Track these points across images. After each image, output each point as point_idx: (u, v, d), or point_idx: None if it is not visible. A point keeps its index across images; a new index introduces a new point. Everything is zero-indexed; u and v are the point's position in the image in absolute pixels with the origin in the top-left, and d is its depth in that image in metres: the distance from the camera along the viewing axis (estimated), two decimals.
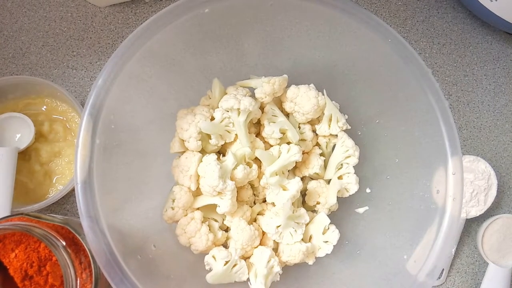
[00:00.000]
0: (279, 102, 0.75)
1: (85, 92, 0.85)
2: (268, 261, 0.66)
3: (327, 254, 0.70)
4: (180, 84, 0.72)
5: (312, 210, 0.75)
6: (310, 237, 0.71)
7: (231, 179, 0.67)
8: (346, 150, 0.73)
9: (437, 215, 0.61)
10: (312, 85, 0.73)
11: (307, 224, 0.71)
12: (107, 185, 0.59)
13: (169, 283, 0.64)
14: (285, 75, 0.72)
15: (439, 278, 0.87)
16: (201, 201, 0.69)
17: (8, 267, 0.55)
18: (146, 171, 0.69)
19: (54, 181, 0.78)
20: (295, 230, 0.68)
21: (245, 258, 0.70)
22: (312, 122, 0.75)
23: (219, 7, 0.62)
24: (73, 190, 0.72)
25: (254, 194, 0.73)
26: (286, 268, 0.71)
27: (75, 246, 0.58)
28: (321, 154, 0.75)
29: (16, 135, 0.77)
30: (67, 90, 0.75)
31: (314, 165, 0.73)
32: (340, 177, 0.74)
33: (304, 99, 0.71)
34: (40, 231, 0.55)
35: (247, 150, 0.69)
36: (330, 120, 0.73)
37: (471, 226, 0.90)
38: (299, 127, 0.75)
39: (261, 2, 0.64)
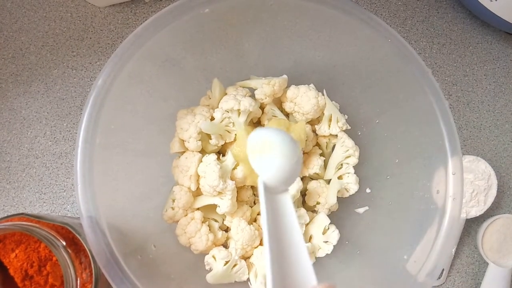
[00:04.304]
0: (279, 102, 0.75)
1: (85, 92, 0.85)
2: None
3: (327, 254, 0.70)
4: (180, 84, 0.72)
5: (312, 210, 0.75)
6: (310, 237, 0.71)
7: (231, 179, 0.67)
8: (346, 150, 0.73)
9: (437, 215, 0.61)
10: (312, 85, 0.73)
11: (307, 224, 0.71)
12: (107, 185, 0.59)
13: (169, 283, 0.64)
14: (285, 76, 0.72)
15: (439, 278, 0.87)
16: (201, 201, 0.69)
17: (8, 267, 0.55)
18: (146, 171, 0.69)
19: None
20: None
21: (245, 258, 0.70)
22: (312, 122, 0.75)
23: (219, 7, 0.62)
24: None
25: (254, 194, 0.73)
26: None
27: (75, 246, 0.58)
28: (321, 154, 0.75)
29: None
30: None
31: (314, 165, 0.73)
32: (340, 177, 0.74)
33: (304, 99, 0.71)
34: (40, 231, 0.55)
35: None
36: (330, 120, 0.73)
37: (471, 226, 0.89)
38: None
39: (261, 2, 0.64)
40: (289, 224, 0.49)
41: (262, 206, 0.47)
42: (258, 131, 0.52)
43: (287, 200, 0.51)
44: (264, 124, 0.72)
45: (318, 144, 0.77)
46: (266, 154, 0.49)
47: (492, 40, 0.96)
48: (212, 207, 0.68)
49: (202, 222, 0.67)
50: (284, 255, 0.46)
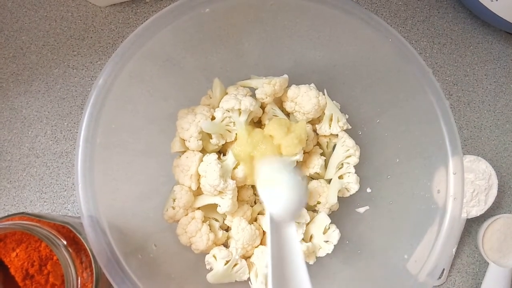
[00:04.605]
0: (279, 102, 0.75)
1: (85, 92, 0.85)
2: None
3: (327, 254, 0.70)
4: (180, 83, 0.72)
5: (312, 209, 0.75)
6: (311, 237, 0.71)
7: (232, 178, 0.67)
8: (346, 150, 0.72)
9: (437, 215, 0.61)
10: (312, 85, 0.73)
11: (307, 224, 0.71)
12: (108, 185, 0.59)
13: (170, 282, 0.64)
14: (286, 75, 0.71)
15: (440, 278, 0.87)
16: (202, 201, 0.69)
17: (9, 267, 0.55)
18: (146, 171, 0.69)
19: None
20: (296, 230, 0.68)
21: (246, 257, 0.70)
22: (312, 122, 0.75)
23: (219, 7, 0.62)
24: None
25: (255, 194, 0.73)
26: None
27: (76, 245, 0.58)
28: (322, 154, 0.75)
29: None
30: None
31: (315, 164, 0.73)
32: (340, 177, 0.74)
33: (304, 99, 0.71)
34: (41, 230, 0.55)
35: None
36: (331, 120, 0.73)
37: (471, 226, 0.89)
38: None
39: (261, 2, 0.64)
40: (293, 254, 0.53)
41: (268, 236, 0.51)
42: (268, 164, 0.57)
43: (293, 230, 0.55)
44: (264, 124, 0.72)
45: (318, 144, 0.77)
46: (276, 187, 0.54)
47: (493, 40, 0.95)
48: (213, 207, 0.68)
49: (203, 222, 0.67)
50: (287, 282, 0.49)
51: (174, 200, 0.67)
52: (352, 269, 0.71)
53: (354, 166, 0.73)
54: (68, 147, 0.83)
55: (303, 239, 0.69)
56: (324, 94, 0.72)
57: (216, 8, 0.62)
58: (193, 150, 0.68)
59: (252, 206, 0.72)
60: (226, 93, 0.72)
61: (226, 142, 0.70)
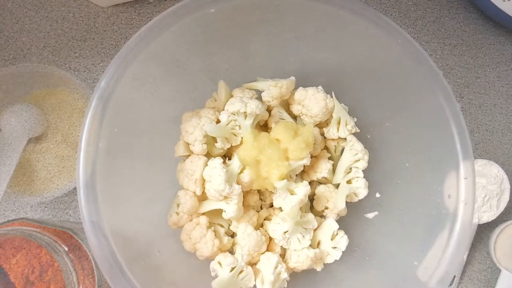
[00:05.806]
0: (286, 104, 0.74)
1: (87, 94, 0.84)
2: (275, 267, 0.65)
3: (335, 260, 0.69)
4: (184, 86, 0.71)
5: (320, 215, 0.74)
6: (318, 243, 0.71)
7: (237, 183, 0.66)
8: (355, 154, 0.72)
9: (448, 220, 0.61)
10: (320, 87, 0.72)
11: (315, 230, 0.70)
12: (110, 190, 0.58)
13: None
14: (293, 77, 0.71)
15: (451, 285, 0.86)
16: (207, 206, 0.68)
17: (8, 273, 0.55)
18: (150, 175, 0.69)
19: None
20: (303, 236, 0.67)
21: (252, 264, 0.69)
22: (320, 125, 0.74)
23: (225, 7, 0.62)
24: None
25: (261, 199, 0.72)
26: (294, 275, 0.70)
27: (78, 251, 0.58)
28: (330, 158, 0.74)
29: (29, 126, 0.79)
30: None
31: (323, 169, 0.72)
32: (349, 182, 0.73)
33: (312, 101, 0.70)
34: (41, 236, 0.55)
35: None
36: (339, 123, 0.73)
37: (483, 231, 0.89)
38: None
39: (267, 2, 0.64)
40: None
41: None
42: None
43: None
44: (271, 127, 0.71)
45: (326, 148, 0.76)
46: None
47: (505, 41, 0.95)
48: (218, 212, 0.67)
49: (208, 228, 0.67)
50: None
51: (178, 206, 0.67)
52: (360, 276, 0.70)
53: (362, 170, 0.73)
54: (69, 150, 0.83)
55: (310, 245, 0.68)
56: (332, 97, 0.72)
57: (221, 8, 0.61)
58: (198, 154, 0.68)
59: (258, 212, 0.72)
60: (232, 96, 0.71)
61: (231, 146, 0.69)
